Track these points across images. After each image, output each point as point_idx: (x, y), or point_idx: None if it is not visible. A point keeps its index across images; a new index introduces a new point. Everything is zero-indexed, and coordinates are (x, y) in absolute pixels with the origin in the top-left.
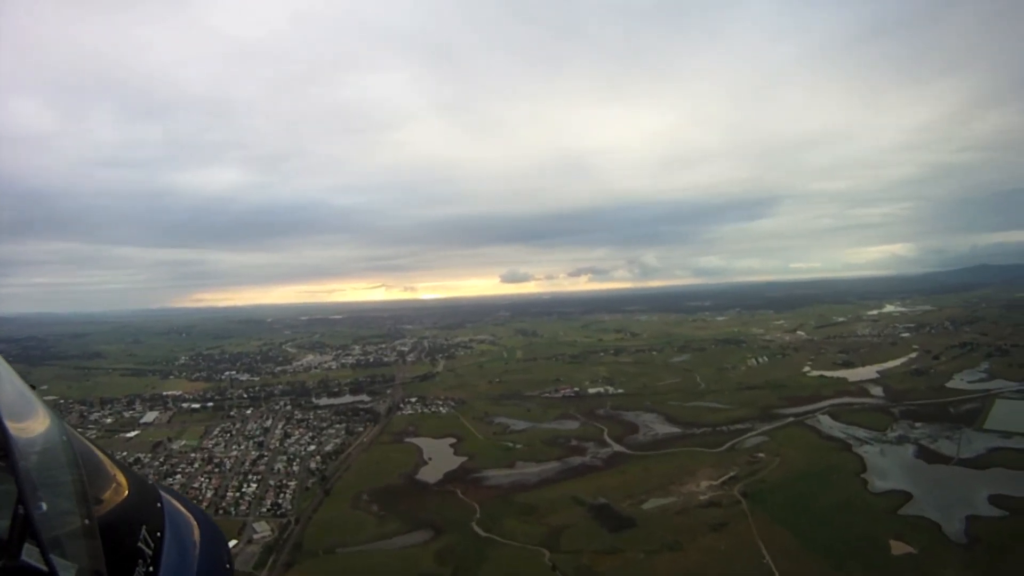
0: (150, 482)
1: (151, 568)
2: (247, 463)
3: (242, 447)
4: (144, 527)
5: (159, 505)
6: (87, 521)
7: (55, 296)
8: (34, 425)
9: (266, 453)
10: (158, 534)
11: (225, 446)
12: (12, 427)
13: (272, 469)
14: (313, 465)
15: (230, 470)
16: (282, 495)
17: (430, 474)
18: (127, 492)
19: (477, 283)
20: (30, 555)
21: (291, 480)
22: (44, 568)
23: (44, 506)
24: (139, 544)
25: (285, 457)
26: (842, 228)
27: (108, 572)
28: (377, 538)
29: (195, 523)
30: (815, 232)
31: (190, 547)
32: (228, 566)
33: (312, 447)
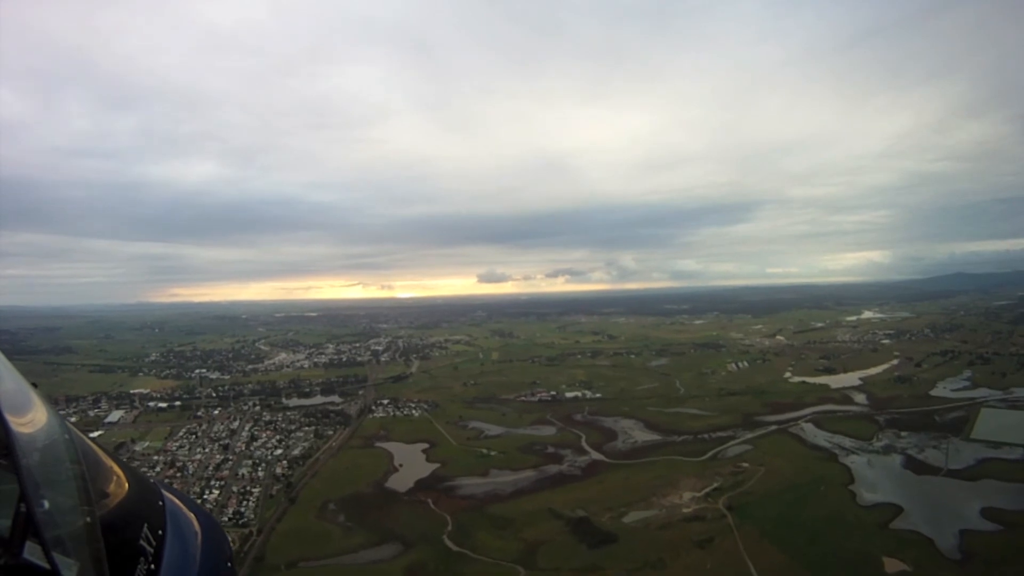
0: (152, 480)
1: (153, 566)
2: (211, 467)
3: (207, 450)
4: (146, 525)
5: (161, 503)
6: (89, 519)
7: (27, 289)
8: (36, 422)
9: (231, 457)
10: (160, 532)
11: (190, 448)
12: (14, 424)
13: (236, 474)
14: (279, 470)
15: (192, 474)
16: (245, 503)
17: (400, 482)
18: (129, 490)
19: (454, 283)
20: (32, 553)
21: (255, 486)
22: (46, 566)
23: (46, 504)
24: (141, 542)
25: (250, 461)
26: (820, 234)
27: (110, 570)
28: (343, 551)
29: (197, 521)
30: (793, 237)
31: (192, 545)
32: (229, 564)
33: (279, 451)
